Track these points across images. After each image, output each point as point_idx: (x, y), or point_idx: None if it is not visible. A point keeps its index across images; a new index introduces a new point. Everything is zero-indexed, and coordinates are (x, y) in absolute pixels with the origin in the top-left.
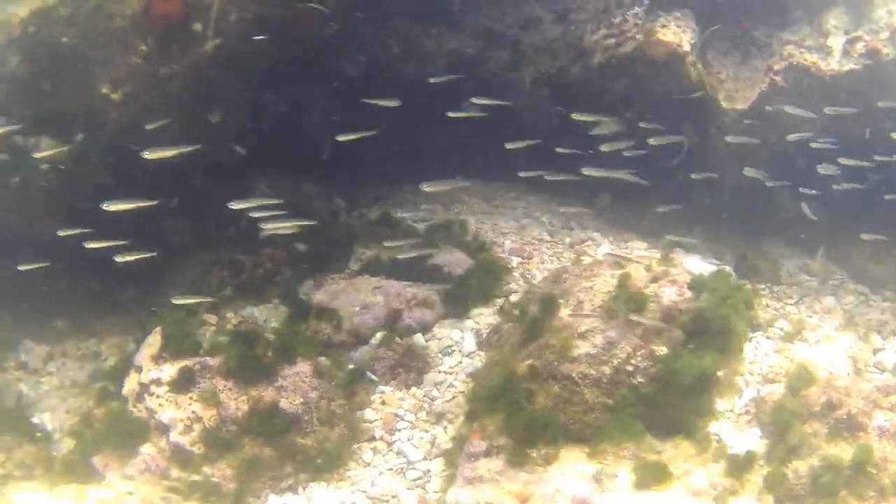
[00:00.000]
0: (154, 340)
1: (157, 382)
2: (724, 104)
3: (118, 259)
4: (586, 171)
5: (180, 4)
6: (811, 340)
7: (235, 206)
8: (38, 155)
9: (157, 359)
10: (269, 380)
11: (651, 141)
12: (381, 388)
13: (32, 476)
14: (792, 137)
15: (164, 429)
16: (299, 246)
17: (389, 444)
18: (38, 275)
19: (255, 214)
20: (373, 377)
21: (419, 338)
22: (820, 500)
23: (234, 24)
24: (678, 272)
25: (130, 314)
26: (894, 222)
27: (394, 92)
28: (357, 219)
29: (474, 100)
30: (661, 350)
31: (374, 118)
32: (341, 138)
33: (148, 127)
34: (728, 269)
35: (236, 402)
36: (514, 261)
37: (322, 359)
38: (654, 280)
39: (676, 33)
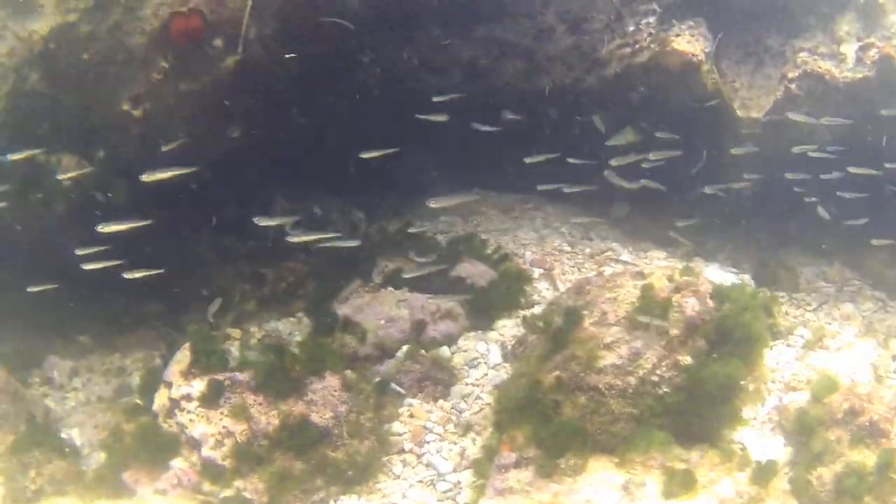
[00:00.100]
0: (183, 356)
1: (188, 398)
2: (739, 112)
3: (126, 275)
4: (607, 175)
5: (201, 21)
6: (832, 348)
7: (261, 222)
8: (61, 176)
9: (187, 374)
10: (298, 394)
11: (651, 156)
12: (409, 400)
13: (64, 491)
14: (796, 150)
15: (196, 444)
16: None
17: (419, 457)
18: (61, 291)
19: (288, 230)
20: (400, 390)
21: (445, 350)
22: None
23: (255, 40)
24: (700, 282)
25: (154, 329)
26: None
27: (412, 105)
28: (377, 231)
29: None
30: (686, 360)
31: (390, 130)
32: (365, 155)
33: (164, 148)
34: (747, 277)
35: (267, 417)
36: (536, 272)
37: (349, 372)
38: (677, 290)
39: (691, 42)
